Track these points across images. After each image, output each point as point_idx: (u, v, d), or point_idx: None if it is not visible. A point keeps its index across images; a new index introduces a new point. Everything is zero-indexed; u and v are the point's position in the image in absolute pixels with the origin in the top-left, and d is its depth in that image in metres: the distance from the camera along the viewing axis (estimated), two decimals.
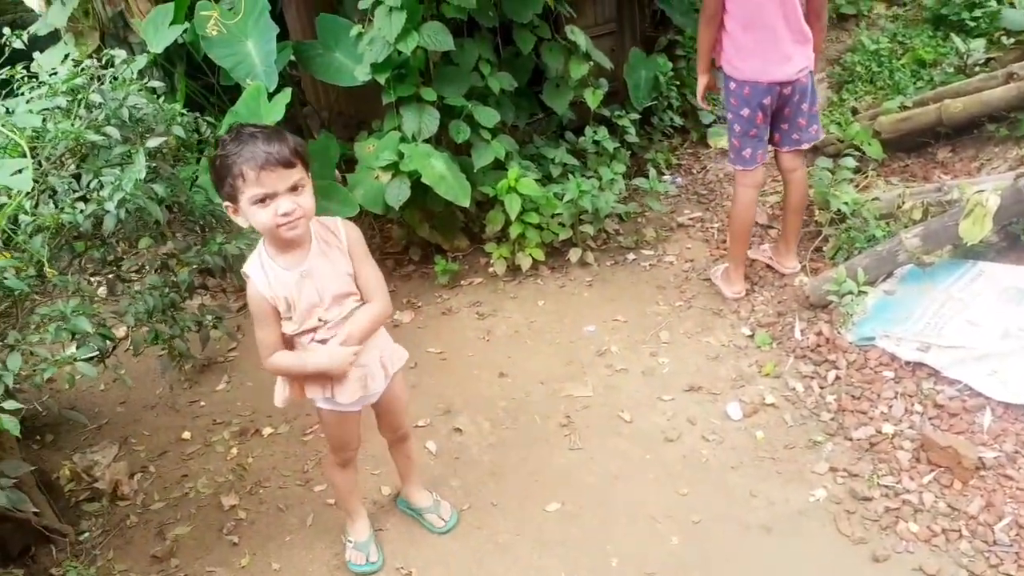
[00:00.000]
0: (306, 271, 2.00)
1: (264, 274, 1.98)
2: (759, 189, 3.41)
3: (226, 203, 1.92)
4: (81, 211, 2.06)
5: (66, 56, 3.62)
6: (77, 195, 2.12)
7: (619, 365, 3.19)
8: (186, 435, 3.17)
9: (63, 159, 2.42)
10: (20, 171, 1.94)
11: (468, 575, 2.44)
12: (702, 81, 3.39)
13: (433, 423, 3.04)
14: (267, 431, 3.12)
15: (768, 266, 3.64)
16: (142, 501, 2.89)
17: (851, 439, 2.70)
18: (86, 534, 2.77)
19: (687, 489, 2.61)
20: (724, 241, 3.91)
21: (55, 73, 2.56)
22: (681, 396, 3.00)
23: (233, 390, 3.41)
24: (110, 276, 2.52)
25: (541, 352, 3.35)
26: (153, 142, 2.28)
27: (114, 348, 2.37)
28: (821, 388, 2.94)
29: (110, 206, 2.06)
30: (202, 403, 3.35)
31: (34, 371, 1.92)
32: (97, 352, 2.08)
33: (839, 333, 3.12)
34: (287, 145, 1.85)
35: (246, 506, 2.80)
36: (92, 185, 2.16)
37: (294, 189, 1.87)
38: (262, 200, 1.84)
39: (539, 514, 2.60)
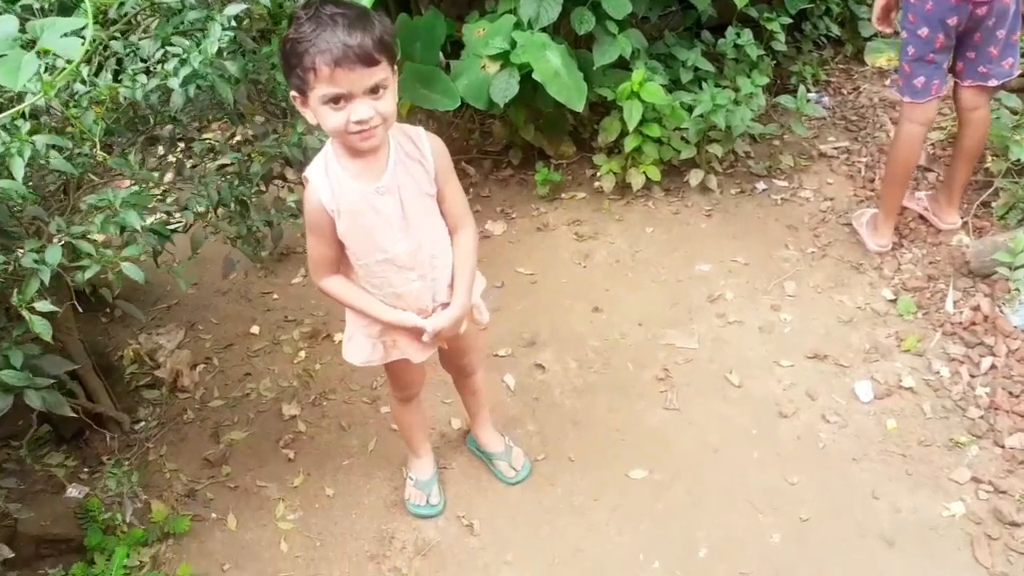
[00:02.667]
0: (384, 186, 1.67)
1: (328, 180, 1.65)
2: (928, 127, 2.84)
3: (293, 93, 1.59)
4: (142, 86, 1.76)
5: None
6: (141, 66, 1.82)
7: (733, 316, 2.80)
8: (255, 329, 2.98)
9: (135, 20, 2.12)
10: (69, 33, 1.64)
11: (535, 535, 2.20)
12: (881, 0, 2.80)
13: (515, 354, 2.75)
14: (338, 337, 2.88)
15: (922, 217, 3.11)
16: (201, 396, 2.73)
17: (1003, 446, 2.28)
18: (142, 423, 2.64)
19: (797, 477, 2.26)
20: (872, 180, 3.38)
21: None
22: (802, 363, 2.60)
23: (309, 286, 3.17)
24: (179, 157, 2.25)
25: (643, 288, 2.97)
26: (232, 8, 1.93)
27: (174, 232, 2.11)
28: (971, 377, 2.49)
29: (174, 83, 1.75)
30: (275, 296, 3.15)
31: (76, 267, 1.68)
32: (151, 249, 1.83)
33: (1002, 312, 2.63)
34: (372, 35, 1.48)
35: (307, 418, 2.61)
36: (157, 56, 1.86)
37: (374, 91, 1.52)
38: (335, 100, 1.51)
39: (622, 479, 2.31)
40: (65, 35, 1.66)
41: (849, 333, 2.69)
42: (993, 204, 3.09)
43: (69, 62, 1.74)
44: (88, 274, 1.66)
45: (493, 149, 3.75)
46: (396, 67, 1.58)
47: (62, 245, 1.69)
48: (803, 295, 2.86)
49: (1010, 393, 2.40)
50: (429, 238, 1.79)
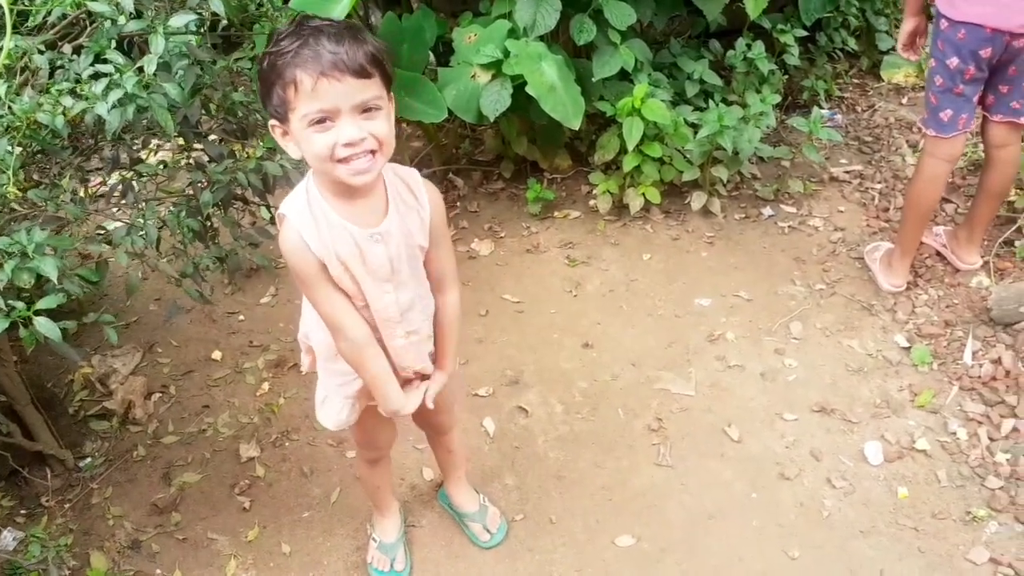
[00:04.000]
0: (381, 233, 1.44)
1: (313, 220, 1.41)
2: (954, 164, 2.61)
3: (273, 122, 1.36)
4: (63, 111, 1.53)
5: None
6: (67, 86, 1.59)
7: (734, 359, 2.58)
8: (216, 355, 2.76)
9: (63, 32, 1.88)
10: None
11: None
12: (908, 25, 2.57)
13: (496, 395, 2.53)
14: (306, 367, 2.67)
15: (939, 254, 2.90)
16: (154, 431, 2.52)
17: None
18: (88, 459, 2.43)
19: (799, 551, 2.06)
20: (887, 209, 3.15)
21: None
22: (807, 417, 2.39)
23: (278, 306, 2.96)
24: (127, 178, 2.02)
25: (638, 323, 2.75)
26: (179, 19, 1.70)
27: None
28: (991, 440, 2.28)
29: (102, 108, 1.52)
30: (241, 317, 2.92)
31: None
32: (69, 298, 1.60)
33: None
34: (363, 47, 1.27)
35: (266, 461, 2.40)
36: (88, 72, 1.63)
37: (366, 111, 1.30)
38: (320, 121, 1.28)
39: (607, 548, 2.10)
40: None
41: (858, 384, 2.48)
42: (1016, 243, 2.87)
43: None
44: None
45: (484, 159, 3.52)
46: (392, 94, 1.36)
47: None
48: (810, 338, 2.64)
49: None
50: (417, 293, 1.58)
